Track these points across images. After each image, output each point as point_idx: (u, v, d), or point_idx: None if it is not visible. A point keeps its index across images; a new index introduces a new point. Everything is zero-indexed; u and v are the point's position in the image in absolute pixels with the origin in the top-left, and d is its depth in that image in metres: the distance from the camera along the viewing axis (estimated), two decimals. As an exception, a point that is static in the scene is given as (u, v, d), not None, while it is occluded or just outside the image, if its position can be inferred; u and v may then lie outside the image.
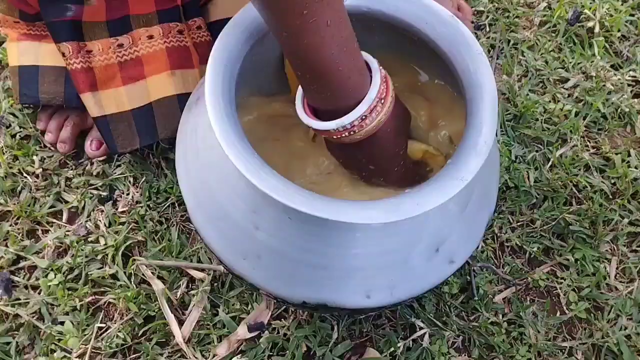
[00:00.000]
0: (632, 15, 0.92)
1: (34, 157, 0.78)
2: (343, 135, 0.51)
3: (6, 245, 0.73)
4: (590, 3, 0.91)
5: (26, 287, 0.71)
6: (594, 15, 0.90)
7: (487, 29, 0.91)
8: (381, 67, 0.52)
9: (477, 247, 0.60)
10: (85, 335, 0.68)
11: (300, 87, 0.53)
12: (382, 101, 0.50)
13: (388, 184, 0.59)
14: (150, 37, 0.75)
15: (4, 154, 0.78)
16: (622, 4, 0.92)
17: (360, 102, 0.49)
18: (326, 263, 0.54)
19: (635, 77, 0.87)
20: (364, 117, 0.49)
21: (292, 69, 0.49)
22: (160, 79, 0.75)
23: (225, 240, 0.56)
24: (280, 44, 0.47)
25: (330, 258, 0.54)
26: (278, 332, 0.69)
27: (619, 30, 0.90)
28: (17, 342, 0.67)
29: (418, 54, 0.66)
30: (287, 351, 0.68)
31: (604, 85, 0.85)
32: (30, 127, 0.80)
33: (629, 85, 0.86)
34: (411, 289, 0.57)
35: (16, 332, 0.68)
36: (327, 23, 0.44)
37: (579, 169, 0.80)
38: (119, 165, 0.79)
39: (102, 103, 0.75)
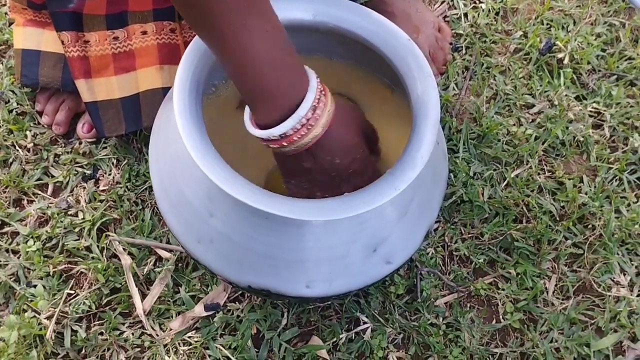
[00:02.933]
0: (604, 50, 0.97)
1: (27, 133, 0.85)
2: (294, 139, 0.52)
3: (-7, 211, 0.80)
4: (564, 35, 0.96)
5: (7, 250, 0.78)
6: (565, 47, 0.95)
7: (464, 51, 0.96)
8: (318, 78, 0.53)
9: (416, 252, 0.65)
10: (55, 299, 0.74)
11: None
12: (323, 104, 0.52)
13: None
14: (144, 32, 0.81)
15: (0, 127, 0.85)
16: (595, 39, 0.97)
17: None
18: (270, 252, 0.60)
19: (597, 109, 0.92)
20: (308, 119, 0.51)
21: (238, 90, 0.52)
22: (149, 72, 0.81)
23: (183, 224, 0.62)
24: (224, 69, 0.51)
25: (274, 248, 0.59)
26: (232, 314, 0.75)
27: (588, 63, 0.95)
28: (-8, 300, 0.74)
29: (382, 69, 0.72)
30: (238, 332, 0.74)
31: (566, 114, 0.90)
32: (27, 105, 0.87)
33: (590, 116, 0.91)
34: (348, 283, 0.63)
35: (-7, 291, 0.75)
36: (266, 29, 0.48)
37: (532, 190, 0.85)
38: (105, 147, 0.85)
39: (94, 90, 0.82)
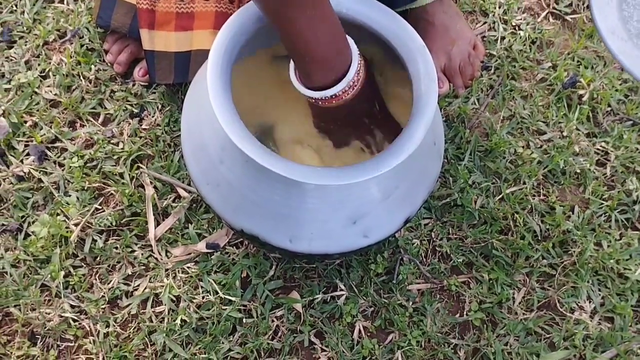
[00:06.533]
0: (627, 96, 1.02)
1: (92, 67, 0.97)
2: (342, 97, 0.65)
3: (50, 127, 0.92)
4: (590, 74, 1.02)
5: (54, 162, 0.90)
6: (588, 85, 1.01)
7: (492, 71, 1.03)
8: (358, 51, 0.65)
9: (392, 235, 0.73)
10: (84, 210, 0.87)
11: (292, 62, 0.66)
12: (361, 66, 0.65)
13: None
14: (207, -1, 0.92)
15: (71, 57, 0.97)
16: (621, 84, 1.03)
17: (345, 74, 0.64)
18: (263, 203, 0.69)
19: (605, 148, 0.97)
20: (354, 81, 0.64)
21: (291, 56, 0.64)
22: (204, 34, 0.92)
23: (198, 165, 0.72)
24: (281, 36, 0.61)
25: (267, 201, 0.69)
26: (229, 256, 0.86)
27: (608, 105, 1.01)
28: (34, 200, 0.87)
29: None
30: (230, 272, 0.84)
31: (572, 147, 0.96)
32: (97, 43, 0.99)
33: (596, 153, 0.97)
34: (327, 246, 0.72)
35: (36, 192, 0.88)
36: (323, 18, 0.60)
37: (523, 208, 0.92)
38: (154, 92, 0.97)
39: (154, 40, 0.93)
